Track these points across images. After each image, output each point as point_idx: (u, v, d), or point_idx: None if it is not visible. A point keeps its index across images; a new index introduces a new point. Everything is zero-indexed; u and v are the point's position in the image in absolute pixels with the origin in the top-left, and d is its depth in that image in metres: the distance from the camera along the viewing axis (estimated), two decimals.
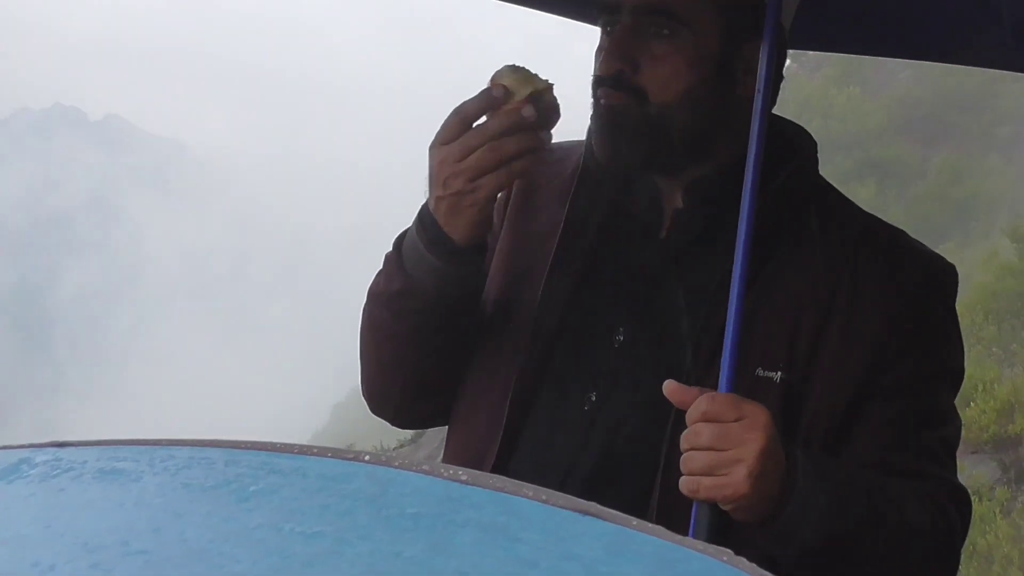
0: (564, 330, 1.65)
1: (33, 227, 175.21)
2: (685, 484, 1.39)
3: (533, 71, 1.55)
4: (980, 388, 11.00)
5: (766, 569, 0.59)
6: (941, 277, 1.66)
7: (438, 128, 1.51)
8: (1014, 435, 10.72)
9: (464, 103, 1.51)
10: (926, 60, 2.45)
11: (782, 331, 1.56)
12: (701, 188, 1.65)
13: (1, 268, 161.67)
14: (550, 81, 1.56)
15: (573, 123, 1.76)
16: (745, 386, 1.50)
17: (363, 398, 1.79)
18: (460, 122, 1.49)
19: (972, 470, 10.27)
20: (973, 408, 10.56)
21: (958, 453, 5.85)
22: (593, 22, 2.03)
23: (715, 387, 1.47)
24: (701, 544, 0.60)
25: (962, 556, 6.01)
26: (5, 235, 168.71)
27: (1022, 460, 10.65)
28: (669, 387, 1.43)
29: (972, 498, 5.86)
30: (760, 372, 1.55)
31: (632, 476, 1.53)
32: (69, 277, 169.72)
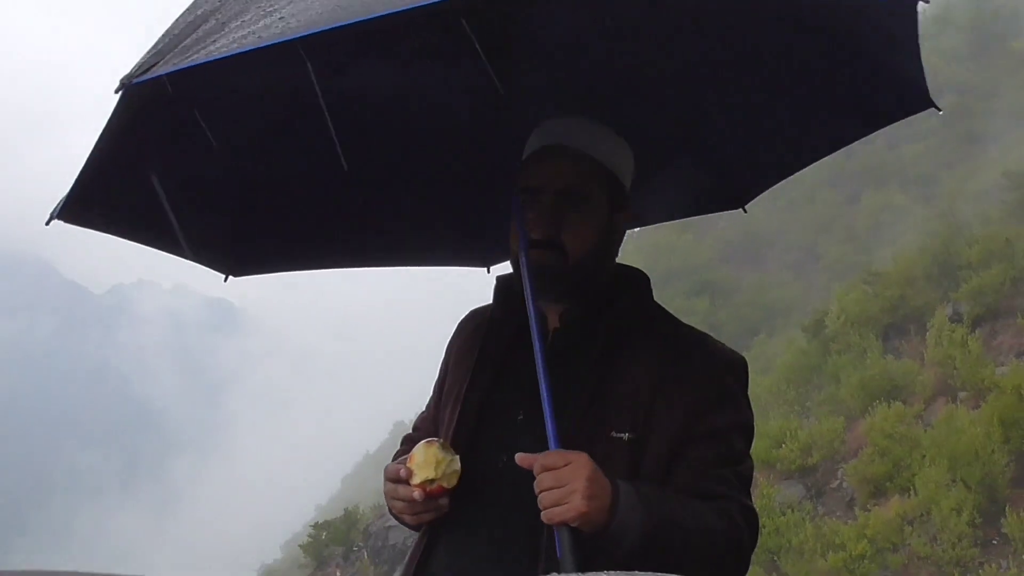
0: (485, 414, 1.89)
1: None
2: (544, 516, 1.57)
3: (445, 451, 1.79)
4: (788, 434, 12.93)
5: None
6: (731, 363, 1.84)
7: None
8: (812, 465, 12.71)
9: (388, 466, 1.86)
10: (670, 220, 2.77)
11: (627, 405, 1.76)
12: (571, 314, 1.90)
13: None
14: (455, 460, 1.78)
15: None
16: (603, 444, 1.73)
17: None
18: (386, 478, 1.84)
19: (786, 491, 12.27)
20: (784, 448, 12.75)
21: (773, 479, 11.82)
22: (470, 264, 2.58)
23: (579, 445, 1.66)
24: None
25: (779, 550, 9.92)
26: None
27: (819, 483, 12.59)
28: (518, 457, 1.65)
29: (787, 510, 11.07)
30: (614, 434, 1.76)
31: (530, 514, 1.64)
32: None
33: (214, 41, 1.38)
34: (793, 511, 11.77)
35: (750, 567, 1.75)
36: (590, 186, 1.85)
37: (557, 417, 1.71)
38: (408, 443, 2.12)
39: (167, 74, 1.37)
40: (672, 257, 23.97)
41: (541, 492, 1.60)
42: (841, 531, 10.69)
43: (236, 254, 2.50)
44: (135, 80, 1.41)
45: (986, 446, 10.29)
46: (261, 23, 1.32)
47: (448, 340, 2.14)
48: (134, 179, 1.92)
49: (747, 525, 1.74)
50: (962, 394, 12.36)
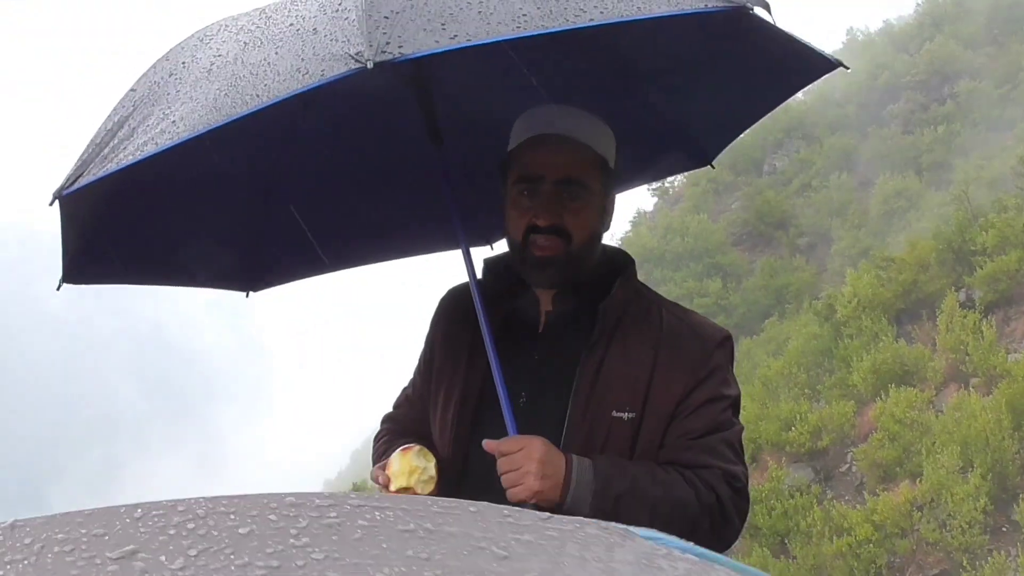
0: (488, 399, 1.91)
1: None
2: (507, 497, 1.69)
3: (421, 457, 1.81)
4: (798, 417, 13.10)
5: None
6: (717, 338, 1.91)
7: None
8: (822, 449, 12.90)
9: (373, 469, 1.95)
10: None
11: (627, 386, 1.83)
12: (563, 297, 1.96)
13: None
14: (430, 466, 1.79)
15: None
16: (605, 424, 1.82)
17: None
18: (372, 480, 1.94)
19: (795, 474, 12.41)
20: (793, 431, 12.88)
21: (783, 461, 11.78)
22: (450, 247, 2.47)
23: (583, 426, 1.81)
24: None
25: (787, 533, 10.88)
26: None
27: (828, 466, 12.79)
28: (485, 444, 1.76)
29: (795, 493, 11.25)
30: (614, 413, 1.83)
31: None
32: None
33: (124, 148, 1.62)
34: (802, 494, 11.83)
35: (743, 532, 1.86)
36: (588, 173, 1.89)
37: (561, 398, 1.82)
38: (388, 423, 2.22)
39: (87, 184, 1.64)
40: (685, 239, 23.99)
41: (501, 475, 1.72)
42: (849, 515, 10.74)
43: (248, 274, 2.72)
44: (65, 192, 1.70)
45: (997, 433, 10.33)
46: (158, 127, 1.57)
47: (431, 318, 2.18)
48: (127, 237, 2.21)
49: (732, 490, 1.81)
50: (974, 380, 12.38)
